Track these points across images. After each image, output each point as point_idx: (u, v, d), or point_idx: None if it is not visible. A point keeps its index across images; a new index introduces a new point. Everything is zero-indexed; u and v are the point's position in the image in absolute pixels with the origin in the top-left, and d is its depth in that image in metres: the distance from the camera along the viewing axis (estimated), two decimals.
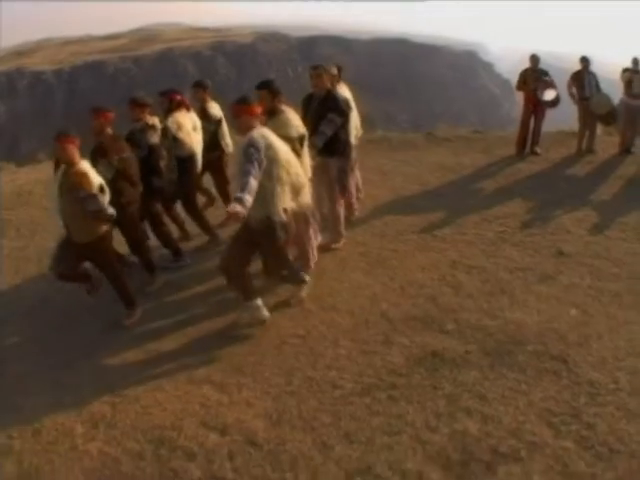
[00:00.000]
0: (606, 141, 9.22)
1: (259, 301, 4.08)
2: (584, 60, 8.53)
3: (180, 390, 3.42)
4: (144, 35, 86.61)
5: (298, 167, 3.84)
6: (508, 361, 3.52)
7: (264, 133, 3.63)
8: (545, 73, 8.56)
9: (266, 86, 4.08)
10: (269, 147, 3.56)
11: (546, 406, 3.12)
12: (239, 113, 3.64)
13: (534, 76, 8.50)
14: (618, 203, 6.60)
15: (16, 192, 8.53)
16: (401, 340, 3.80)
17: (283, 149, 3.70)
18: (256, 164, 3.45)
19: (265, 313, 4.09)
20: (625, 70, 8.46)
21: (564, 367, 3.46)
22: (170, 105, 5.20)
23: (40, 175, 9.63)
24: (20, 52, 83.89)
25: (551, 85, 8.38)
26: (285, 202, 3.72)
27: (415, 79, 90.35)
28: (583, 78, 8.47)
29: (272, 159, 3.57)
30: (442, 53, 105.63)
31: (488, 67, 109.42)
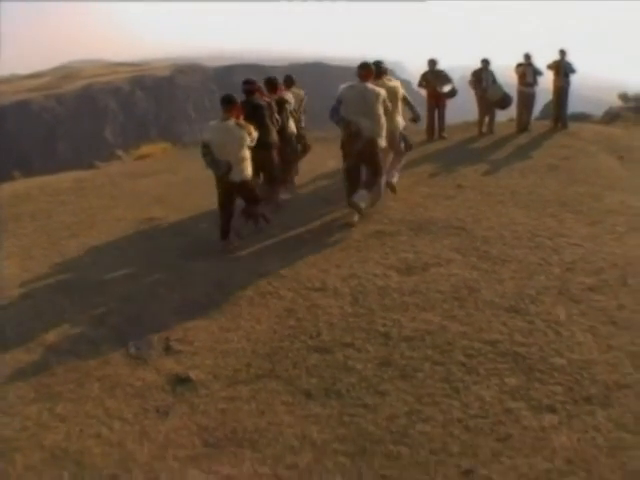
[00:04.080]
0: (506, 125, 11.51)
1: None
2: (484, 61, 10.92)
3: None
4: (66, 73, 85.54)
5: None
6: (425, 231, 5.56)
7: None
8: (441, 72, 10.95)
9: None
10: None
11: (454, 247, 5.13)
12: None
13: (433, 75, 10.85)
14: (508, 159, 8.74)
15: (13, 195, 9.24)
16: (354, 230, 5.80)
17: None
18: None
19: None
20: (519, 65, 10.89)
21: (464, 232, 5.49)
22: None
23: (27, 185, 10.34)
24: None
25: (447, 80, 10.81)
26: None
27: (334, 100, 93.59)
28: (481, 75, 10.87)
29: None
30: None
31: (406, 85, 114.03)
